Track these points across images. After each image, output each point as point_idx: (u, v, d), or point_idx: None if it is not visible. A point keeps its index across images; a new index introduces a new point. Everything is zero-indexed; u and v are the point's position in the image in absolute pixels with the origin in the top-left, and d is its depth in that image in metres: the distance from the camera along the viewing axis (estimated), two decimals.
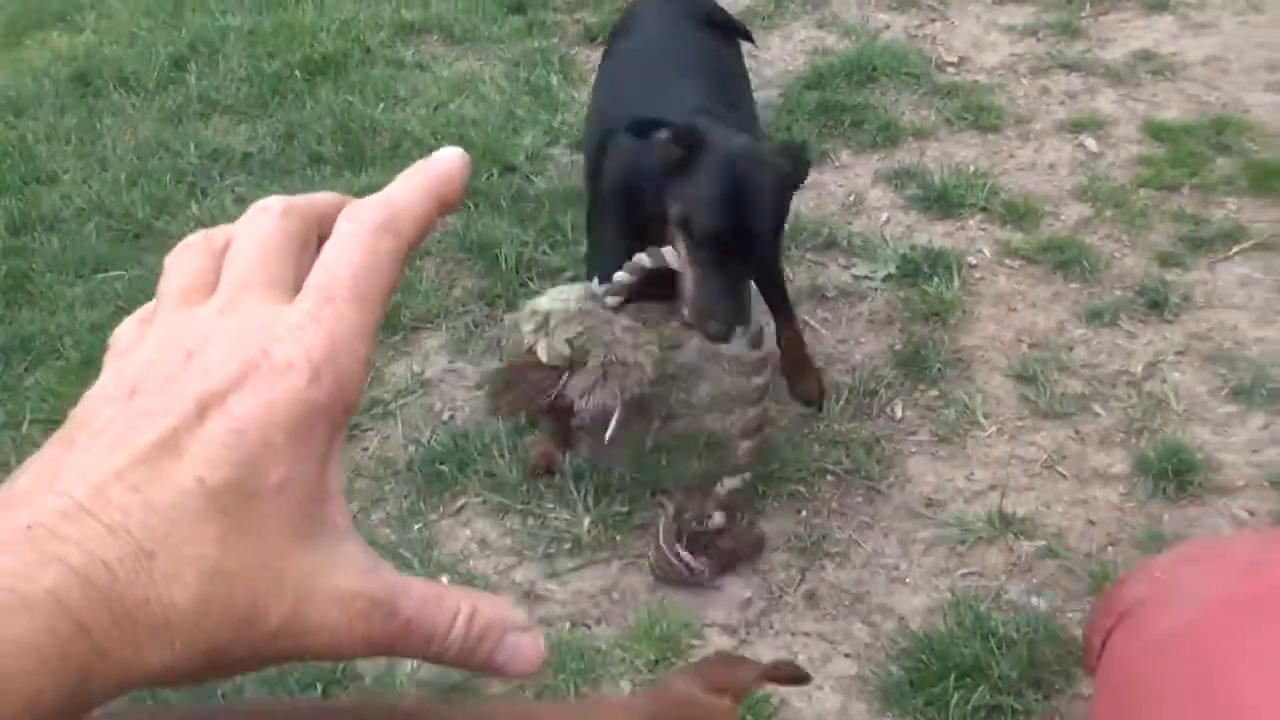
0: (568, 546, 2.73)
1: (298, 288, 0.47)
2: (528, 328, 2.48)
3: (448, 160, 0.52)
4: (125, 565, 0.40)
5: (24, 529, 0.40)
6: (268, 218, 0.50)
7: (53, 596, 0.39)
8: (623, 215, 2.64)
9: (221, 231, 0.51)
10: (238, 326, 0.46)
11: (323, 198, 0.52)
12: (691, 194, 2.37)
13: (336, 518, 0.46)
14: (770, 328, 2.81)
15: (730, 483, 2.69)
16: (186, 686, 0.45)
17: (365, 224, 0.49)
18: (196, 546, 0.41)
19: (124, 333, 0.49)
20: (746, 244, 2.38)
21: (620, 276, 2.46)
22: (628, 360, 2.42)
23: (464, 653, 0.48)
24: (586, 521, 2.76)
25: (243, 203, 3.57)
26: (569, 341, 2.41)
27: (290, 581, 0.43)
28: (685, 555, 2.58)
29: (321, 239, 0.49)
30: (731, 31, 3.27)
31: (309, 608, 0.44)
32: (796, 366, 2.98)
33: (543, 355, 2.44)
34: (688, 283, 2.40)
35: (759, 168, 2.40)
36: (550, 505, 2.82)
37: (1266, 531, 2.59)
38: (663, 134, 2.38)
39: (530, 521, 2.79)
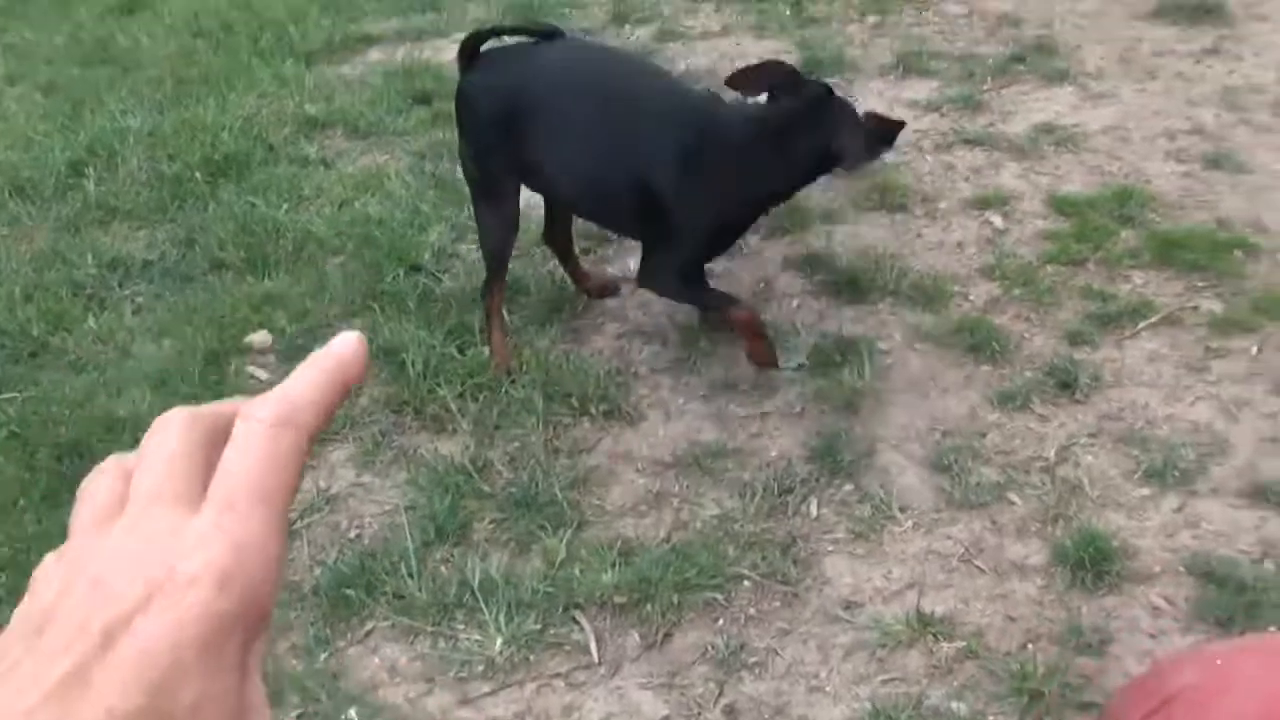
0: (480, 669, 2.66)
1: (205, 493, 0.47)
2: None
3: (346, 346, 0.52)
4: None
5: None
6: (171, 430, 0.49)
7: None
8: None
9: (134, 454, 0.50)
10: (143, 545, 0.45)
11: (226, 404, 0.51)
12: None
13: None
14: None
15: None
16: None
17: (263, 422, 0.48)
18: None
19: (39, 571, 0.48)
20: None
21: None
22: None
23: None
24: (499, 642, 2.69)
25: (141, 313, 3.52)
26: None
27: None
28: None
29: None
30: (543, 35, 3.41)
31: None
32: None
33: None
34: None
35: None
36: (461, 626, 2.75)
37: None
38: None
39: (441, 644, 2.72)
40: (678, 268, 3.29)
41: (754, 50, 5.28)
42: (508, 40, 3.43)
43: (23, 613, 0.46)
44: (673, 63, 5.18)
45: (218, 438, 0.49)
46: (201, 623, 0.43)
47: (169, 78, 5.30)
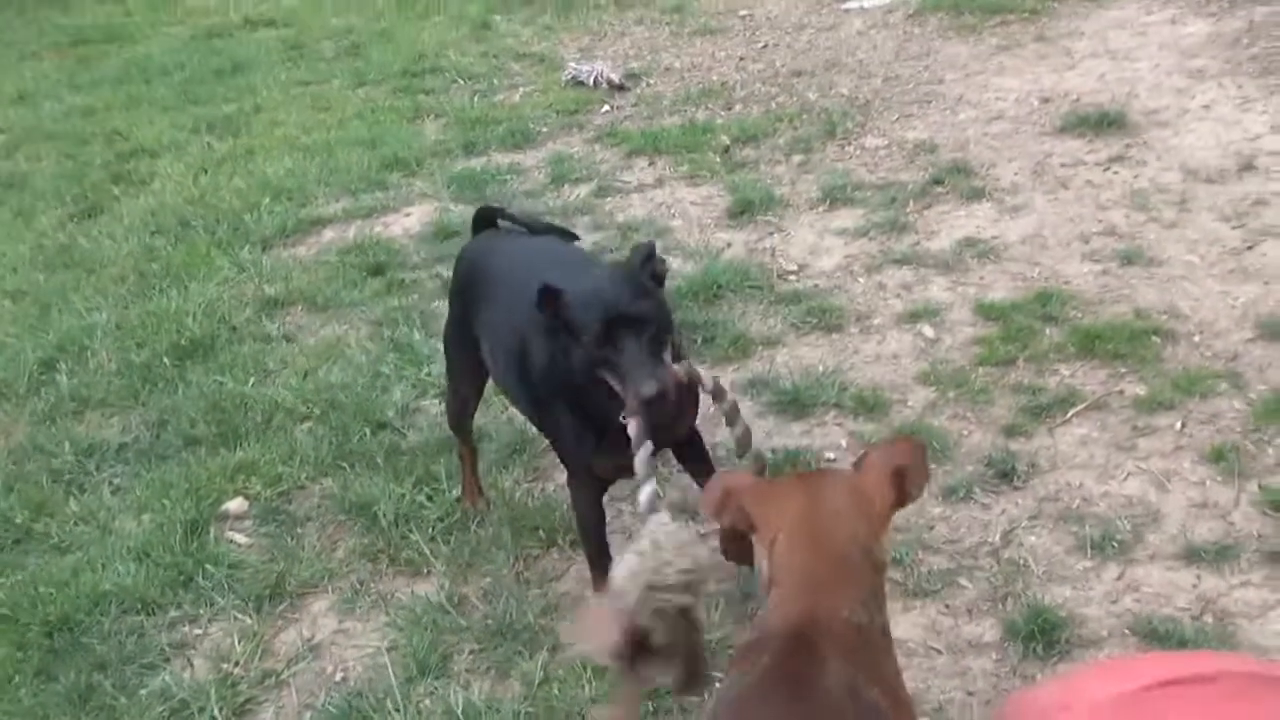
0: None
1: None
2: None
3: None
4: None
5: None
6: None
7: None
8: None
9: None
10: None
11: None
12: (571, 327, 2.73)
13: None
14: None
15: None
16: None
17: None
18: None
19: None
20: (644, 319, 2.68)
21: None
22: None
23: None
24: None
25: (120, 493, 3.67)
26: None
27: None
28: None
29: None
30: (562, 236, 3.47)
31: None
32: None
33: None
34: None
35: (615, 271, 2.88)
36: None
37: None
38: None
39: None
40: (571, 478, 3.17)
41: (689, 197, 5.57)
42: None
43: None
44: (611, 216, 5.45)
45: None
46: None
47: (132, 273, 5.53)
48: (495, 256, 3.33)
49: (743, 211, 5.36)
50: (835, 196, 5.39)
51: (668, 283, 4.69)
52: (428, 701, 3.02)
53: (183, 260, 5.54)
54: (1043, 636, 2.94)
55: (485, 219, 3.51)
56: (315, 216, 5.91)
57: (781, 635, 1.87)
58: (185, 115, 7.59)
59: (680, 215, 5.44)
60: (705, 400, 2.99)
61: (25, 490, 4.00)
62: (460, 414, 3.56)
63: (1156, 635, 2.91)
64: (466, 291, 3.36)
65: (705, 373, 2.84)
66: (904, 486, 2.03)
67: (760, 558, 2.04)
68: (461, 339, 3.38)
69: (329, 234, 5.74)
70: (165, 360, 4.68)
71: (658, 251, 2.92)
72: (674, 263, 4.96)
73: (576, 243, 3.51)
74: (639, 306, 2.67)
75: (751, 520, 2.05)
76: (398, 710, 2.97)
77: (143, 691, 3.14)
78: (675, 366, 2.72)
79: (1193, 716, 1.53)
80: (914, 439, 2.24)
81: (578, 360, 2.73)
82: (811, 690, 1.79)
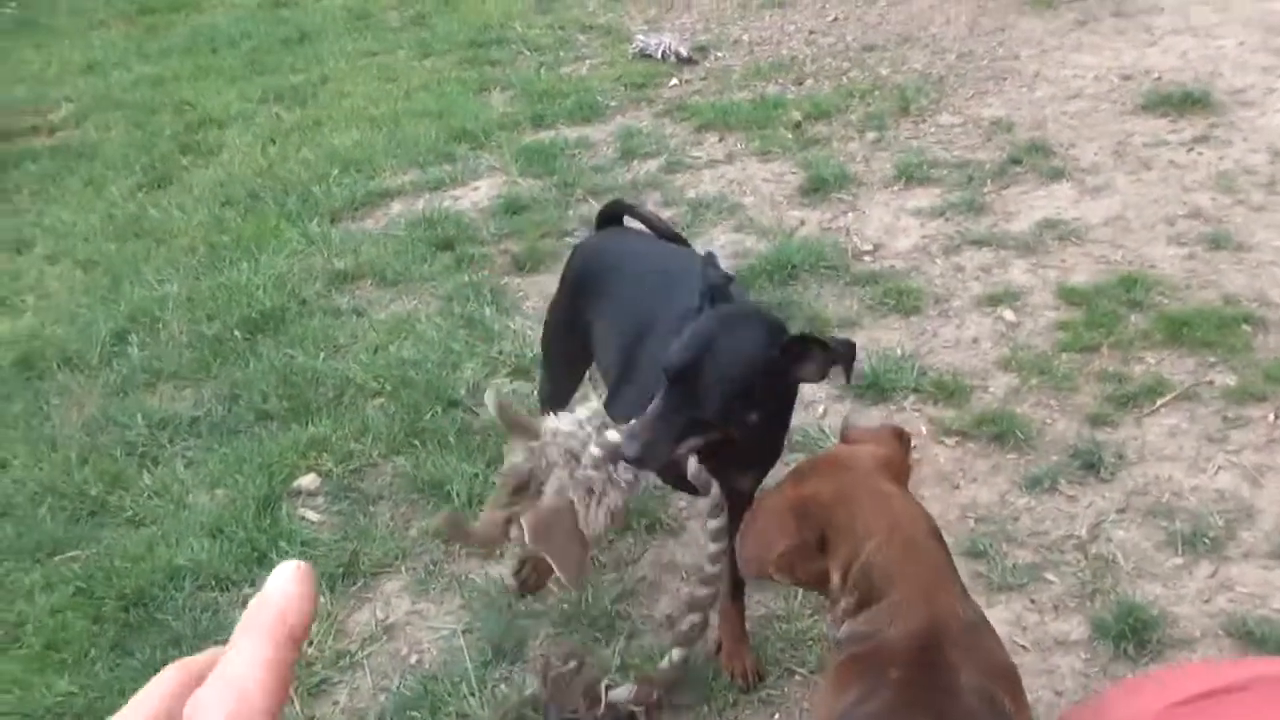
0: None
1: None
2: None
3: (280, 589, 0.49)
4: None
5: None
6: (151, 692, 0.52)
7: None
8: None
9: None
10: None
11: (214, 654, 0.52)
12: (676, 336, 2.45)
13: None
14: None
15: (678, 654, 2.59)
16: None
17: (209, 707, 0.47)
18: None
19: None
20: (695, 385, 2.32)
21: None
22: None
23: None
24: None
25: (193, 466, 3.66)
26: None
27: None
28: None
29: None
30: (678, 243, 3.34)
31: None
32: (732, 640, 2.97)
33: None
34: None
35: (739, 325, 2.41)
36: None
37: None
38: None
39: None
40: None
41: (760, 174, 5.49)
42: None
43: None
44: (681, 192, 5.38)
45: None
46: None
47: (202, 245, 5.52)
48: (624, 257, 3.13)
49: (816, 189, 5.27)
50: (910, 175, 5.29)
51: (741, 262, 4.68)
52: (503, 686, 2.99)
53: (252, 232, 5.52)
54: (1133, 636, 2.87)
55: (612, 214, 3.29)
56: (383, 189, 5.88)
57: (908, 647, 1.83)
58: (253, 85, 7.57)
59: (752, 192, 5.36)
60: None
61: (99, 462, 4.00)
62: (553, 398, 3.43)
63: (1253, 637, 2.84)
64: (584, 283, 3.15)
65: (715, 486, 2.46)
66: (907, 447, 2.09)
67: (835, 570, 1.98)
68: (571, 325, 3.18)
69: (397, 207, 5.71)
70: (236, 333, 4.67)
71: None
72: (748, 241, 4.90)
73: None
74: (713, 402, 2.35)
75: (830, 531, 1.98)
76: (473, 694, 2.95)
77: None
78: (689, 457, 2.41)
79: None
80: (898, 428, 2.21)
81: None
82: (953, 703, 1.76)
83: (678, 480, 2.55)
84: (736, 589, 2.93)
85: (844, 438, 2.17)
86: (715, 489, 2.45)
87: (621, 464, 2.36)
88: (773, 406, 2.51)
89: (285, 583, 0.50)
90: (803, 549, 2.02)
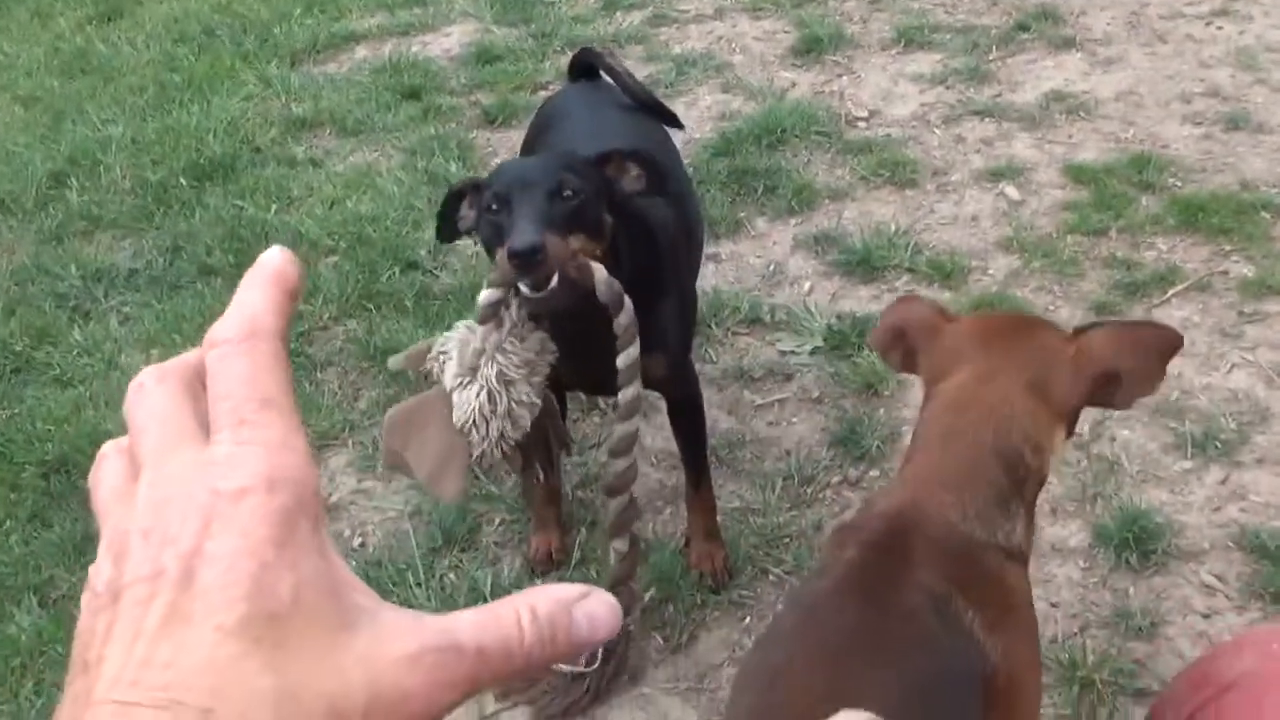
0: None
1: (209, 432, 0.48)
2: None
3: (275, 259, 0.53)
4: None
5: None
6: (148, 390, 0.51)
7: None
8: None
9: (124, 438, 0.51)
10: (178, 486, 0.46)
11: (189, 354, 0.52)
12: (479, 206, 2.18)
13: (360, 599, 0.46)
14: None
15: (619, 544, 2.32)
16: None
17: (231, 340, 0.49)
18: (249, 684, 0.42)
19: (92, 570, 0.48)
20: (536, 186, 2.05)
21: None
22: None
23: (547, 648, 0.47)
24: None
25: (128, 323, 3.37)
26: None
27: (352, 670, 0.43)
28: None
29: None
30: (658, 116, 2.98)
31: (383, 684, 0.44)
32: (700, 535, 2.70)
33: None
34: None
35: (548, 155, 2.32)
36: None
37: None
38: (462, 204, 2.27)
39: None
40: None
41: (750, 31, 5.14)
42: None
43: (88, 601, 0.46)
44: (667, 47, 5.04)
45: (193, 383, 0.51)
46: (268, 523, 0.44)
47: (151, 84, 5.16)
48: (572, 118, 2.83)
49: (809, 50, 4.93)
50: (910, 38, 4.94)
51: (728, 125, 4.37)
52: (452, 576, 2.76)
53: (205, 72, 5.16)
54: (1136, 545, 2.64)
55: (584, 64, 2.99)
56: (348, 31, 5.50)
57: (875, 528, 1.63)
58: None
59: (741, 50, 5.01)
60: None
61: (27, 315, 3.71)
62: None
63: (1265, 551, 2.61)
64: (535, 142, 2.89)
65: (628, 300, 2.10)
66: (1111, 391, 1.70)
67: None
68: None
69: (362, 51, 5.34)
70: (182, 180, 4.35)
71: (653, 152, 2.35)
72: (735, 103, 4.58)
73: (678, 131, 3.08)
74: (558, 175, 2.09)
75: (918, 369, 1.81)
76: (419, 584, 2.72)
77: None
78: (596, 268, 2.06)
79: None
80: (1173, 331, 1.75)
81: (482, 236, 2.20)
82: (893, 594, 1.55)
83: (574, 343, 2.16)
84: (700, 477, 2.66)
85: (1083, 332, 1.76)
86: (629, 302, 2.09)
87: (509, 347, 2.00)
88: (626, 232, 2.21)
89: (276, 252, 0.53)
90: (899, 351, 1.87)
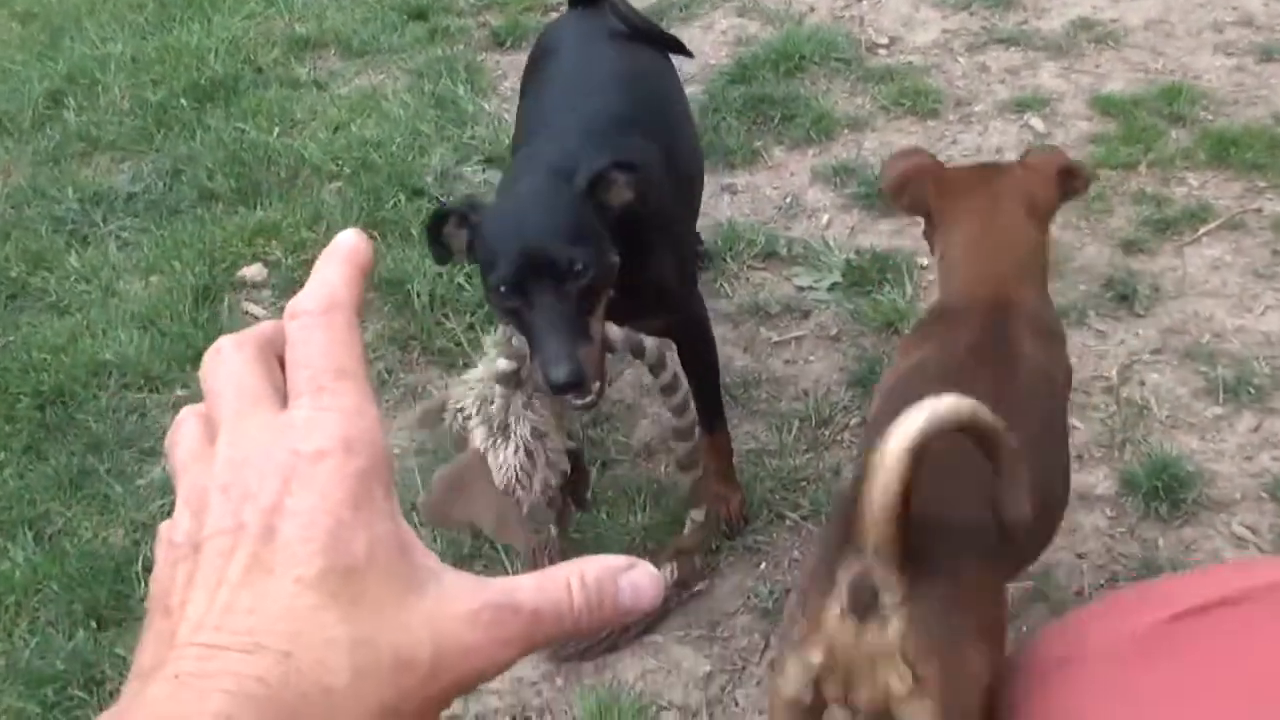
0: None
1: (283, 398, 0.51)
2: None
3: (351, 239, 0.55)
4: (273, 673, 0.44)
5: (173, 679, 0.44)
6: (226, 357, 0.53)
7: (223, 718, 0.42)
8: None
9: (200, 404, 0.53)
10: (257, 447, 0.49)
11: (264, 324, 0.55)
12: (482, 260, 2.08)
13: (426, 560, 0.50)
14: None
15: (697, 514, 2.40)
16: None
17: (311, 312, 0.52)
18: (325, 632, 0.45)
19: (165, 526, 0.50)
20: (547, 272, 1.98)
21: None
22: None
23: (594, 613, 0.51)
24: None
25: (127, 249, 3.26)
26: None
27: (418, 625, 0.47)
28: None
29: (278, 357, 0.53)
30: (661, 45, 2.84)
31: (446, 639, 0.47)
32: (717, 479, 2.58)
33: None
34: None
35: (534, 194, 2.13)
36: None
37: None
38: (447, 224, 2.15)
39: None
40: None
41: None
42: None
43: (165, 551, 0.49)
44: None
45: (267, 350, 0.53)
46: (344, 484, 0.47)
47: (151, 1, 5.01)
48: (561, 55, 2.70)
49: None
50: None
51: (744, 50, 4.23)
52: None
53: None
54: (1166, 495, 2.56)
55: None
56: None
57: (979, 311, 1.96)
58: None
59: None
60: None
61: (22, 239, 3.61)
62: None
63: None
64: (528, 77, 2.79)
65: (649, 340, 2.15)
66: (1067, 185, 2.15)
67: (936, 245, 2.17)
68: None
69: None
70: (183, 101, 4.22)
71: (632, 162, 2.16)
72: (752, 27, 4.44)
73: (687, 59, 3.01)
74: (566, 252, 1.99)
75: (930, 208, 2.17)
76: (422, 524, 2.63)
77: (140, 481, 2.81)
78: (613, 332, 2.08)
79: (1219, 647, 1.20)
80: (1067, 164, 2.21)
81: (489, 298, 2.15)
82: (1011, 371, 1.87)
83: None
84: (714, 418, 2.55)
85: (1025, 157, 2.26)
86: (651, 342, 2.14)
87: (536, 402, 2.07)
88: (625, 244, 2.12)
89: (351, 233, 0.55)
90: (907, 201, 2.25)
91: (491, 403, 2.04)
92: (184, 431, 0.53)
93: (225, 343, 0.54)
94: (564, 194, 2.08)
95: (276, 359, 0.53)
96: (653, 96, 2.58)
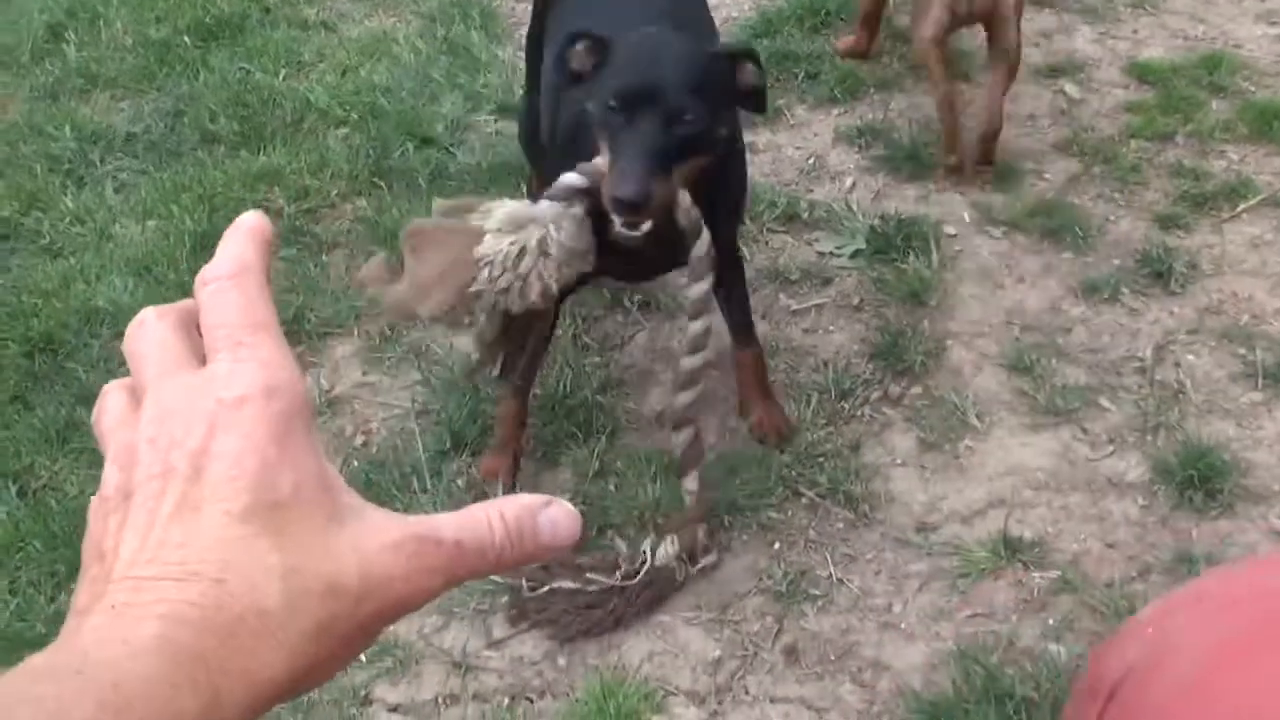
0: (504, 601, 2.33)
1: (204, 362, 0.52)
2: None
3: (253, 218, 0.57)
4: (207, 596, 0.46)
5: (109, 610, 0.46)
6: (148, 325, 0.55)
7: (161, 639, 0.44)
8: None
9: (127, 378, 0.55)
10: (179, 401, 0.50)
11: (183, 301, 0.56)
12: (601, 80, 2.11)
13: (350, 498, 0.51)
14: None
15: (689, 483, 2.31)
16: (324, 678, 0.49)
17: (222, 277, 0.54)
18: (256, 559, 0.47)
19: (97, 496, 0.51)
20: (660, 105, 2.03)
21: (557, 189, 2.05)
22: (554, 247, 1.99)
23: (516, 548, 0.53)
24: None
25: (124, 190, 3.13)
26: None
27: (345, 553, 0.49)
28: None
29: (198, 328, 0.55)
30: None
31: (372, 567, 0.49)
32: (754, 396, 2.59)
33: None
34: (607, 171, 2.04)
35: (672, 40, 2.17)
36: None
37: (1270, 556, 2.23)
38: (577, 45, 2.16)
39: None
40: None
41: None
42: None
43: (97, 506, 0.51)
44: None
45: (187, 320, 0.55)
46: (267, 425, 0.49)
47: None
48: None
49: None
50: None
51: (768, 4, 4.09)
52: (460, 482, 2.57)
53: None
54: (1201, 484, 2.45)
55: None
56: None
57: None
58: None
59: None
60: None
61: (16, 177, 3.48)
62: (534, 131, 2.89)
63: None
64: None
65: (706, 235, 2.15)
66: None
67: None
68: (537, 43, 2.77)
69: None
70: (187, 39, 4.07)
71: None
72: None
73: None
74: (687, 99, 2.05)
75: None
76: (424, 490, 2.53)
77: None
78: (684, 199, 2.10)
79: None
80: None
81: (586, 114, 2.17)
82: None
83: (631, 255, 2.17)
84: (749, 335, 2.58)
85: None
86: (707, 236, 2.14)
87: (564, 225, 2.00)
88: (729, 129, 2.23)
89: (252, 213, 0.58)
90: None
91: (522, 211, 1.99)
92: (110, 401, 0.54)
93: (148, 314, 0.55)
94: (701, 55, 2.16)
95: (197, 329, 0.54)
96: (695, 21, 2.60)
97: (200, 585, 0.45)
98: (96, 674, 0.43)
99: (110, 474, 0.50)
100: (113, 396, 0.54)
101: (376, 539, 0.49)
